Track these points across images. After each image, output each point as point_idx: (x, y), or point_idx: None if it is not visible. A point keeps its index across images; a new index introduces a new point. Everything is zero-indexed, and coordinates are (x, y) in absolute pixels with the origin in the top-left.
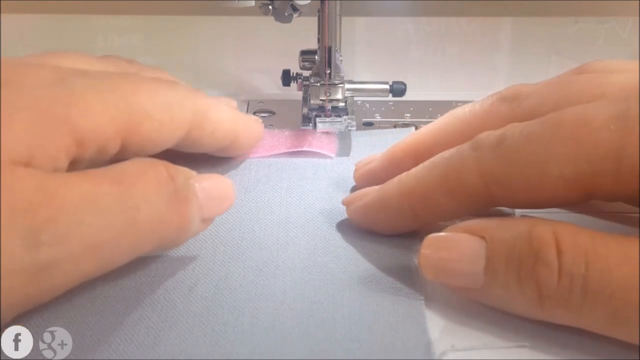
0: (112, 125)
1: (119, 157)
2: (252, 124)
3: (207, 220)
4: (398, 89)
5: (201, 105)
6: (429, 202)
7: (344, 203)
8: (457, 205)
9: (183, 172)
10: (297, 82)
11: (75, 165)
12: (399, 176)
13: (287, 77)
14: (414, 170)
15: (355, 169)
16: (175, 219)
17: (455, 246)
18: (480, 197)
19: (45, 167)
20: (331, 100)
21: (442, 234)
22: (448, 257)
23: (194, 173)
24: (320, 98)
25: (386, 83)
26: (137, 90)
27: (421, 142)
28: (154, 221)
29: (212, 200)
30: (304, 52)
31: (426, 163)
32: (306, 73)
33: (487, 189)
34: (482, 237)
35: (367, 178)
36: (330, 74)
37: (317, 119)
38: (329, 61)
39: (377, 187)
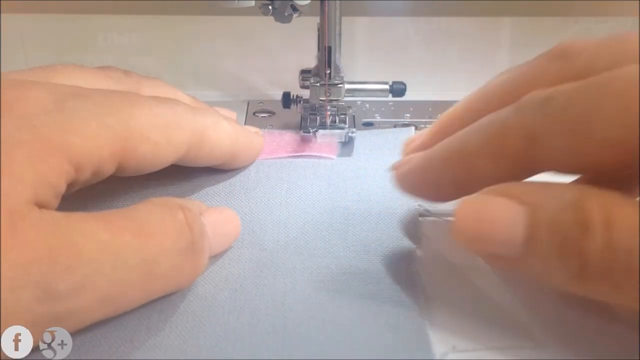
0: (109, 149)
1: (114, 175)
2: (252, 140)
3: (211, 257)
4: (398, 89)
5: (199, 125)
6: (471, 166)
7: (391, 168)
8: (499, 169)
9: (196, 213)
10: (297, 105)
11: (71, 187)
12: (443, 140)
13: (287, 100)
14: (459, 133)
15: (404, 147)
16: (189, 270)
17: (492, 210)
18: (523, 159)
19: (49, 197)
20: (331, 101)
21: (479, 196)
22: (485, 222)
23: (203, 206)
24: (320, 98)
25: (386, 83)
26: (134, 112)
27: (469, 107)
28: (170, 274)
29: (219, 237)
30: (304, 72)
31: (471, 125)
32: (306, 95)
33: (530, 150)
34: (523, 203)
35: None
36: (330, 74)
37: (318, 132)
38: (329, 61)
39: (422, 153)
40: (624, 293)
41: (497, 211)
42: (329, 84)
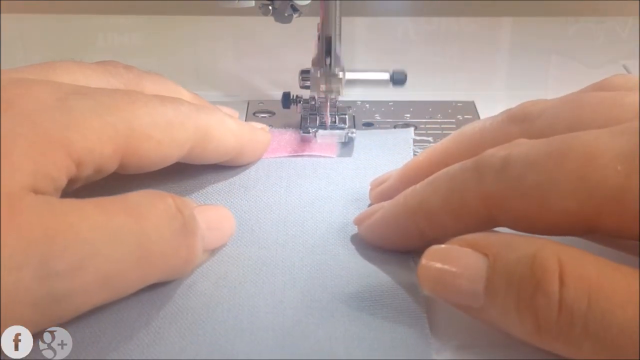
0: (110, 146)
1: (117, 173)
2: (258, 136)
3: (207, 251)
4: (398, 79)
5: (203, 123)
6: (433, 221)
7: (355, 222)
8: (460, 224)
9: (187, 203)
10: (297, 105)
11: (73, 183)
12: (404, 192)
13: (287, 100)
14: (419, 187)
15: (370, 188)
16: (184, 252)
17: (456, 261)
18: (483, 219)
19: (48, 189)
20: (331, 94)
21: (444, 246)
22: (448, 271)
23: (195, 204)
24: (321, 89)
25: (386, 72)
26: (137, 110)
27: (433, 161)
28: (165, 253)
29: (213, 231)
30: (304, 72)
31: (431, 179)
32: (306, 95)
33: (489, 212)
34: (486, 255)
35: (381, 198)
36: (330, 64)
37: (318, 132)
38: (328, 51)
39: (385, 204)
40: (584, 354)
41: (460, 261)
42: (328, 75)
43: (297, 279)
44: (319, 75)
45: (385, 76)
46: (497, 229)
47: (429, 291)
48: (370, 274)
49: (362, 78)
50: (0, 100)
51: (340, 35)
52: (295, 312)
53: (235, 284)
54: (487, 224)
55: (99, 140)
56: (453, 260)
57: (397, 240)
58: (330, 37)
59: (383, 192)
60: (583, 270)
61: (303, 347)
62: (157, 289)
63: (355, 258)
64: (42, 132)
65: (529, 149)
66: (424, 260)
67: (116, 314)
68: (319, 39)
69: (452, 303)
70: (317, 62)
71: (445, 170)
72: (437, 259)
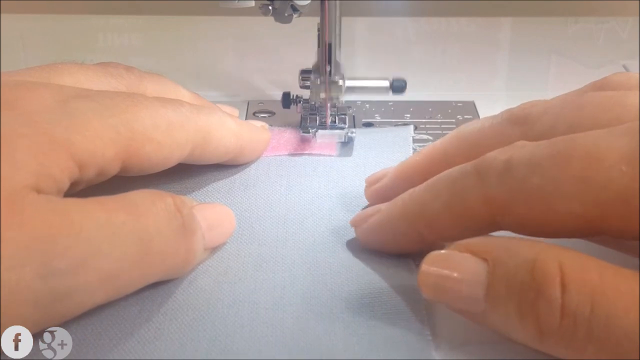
0: (112, 149)
1: (119, 176)
2: (258, 135)
3: (208, 250)
4: (398, 86)
5: (203, 124)
6: (433, 226)
7: (352, 225)
8: (463, 229)
9: (187, 202)
10: (297, 105)
11: (75, 186)
12: (402, 196)
13: (287, 100)
14: (418, 191)
15: (366, 186)
16: (183, 251)
17: (456, 266)
18: (486, 223)
19: (51, 189)
20: (331, 99)
21: (444, 251)
22: (448, 277)
23: (195, 202)
24: (321, 96)
25: (386, 79)
26: (138, 113)
27: (430, 160)
28: (165, 252)
29: (213, 229)
30: (304, 72)
31: (430, 183)
32: (306, 95)
33: (492, 215)
34: (485, 260)
35: (377, 197)
36: (330, 71)
37: (318, 132)
38: (329, 58)
39: (382, 206)
40: (587, 358)
41: (460, 267)
42: (329, 82)
43: (297, 276)
44: (319, 83)
45: (385, 84)
46: (499, 232)
47: (429, 297)
48: (370, 272)
49: (361, 85)
50: (3, 101)
51: (340, 42)
52: (295, 308)
53: (236, 280)
54: (490, 227)
55: (101, 143)
56: (453, 266)
57: (395, 244)
58: (330, 45)
59: (379, 191)
60: (585, 274)
61: (303, 343)
62: (157, 285)
63: (355, 256)
64: (45, 133)
65: (532, 151)
66: (424, 266)
67: (117, 311)
68: (319, 45)
69: (453, 308)
70: (317, 69)
71: (445, 173)
72: (437, 265)
